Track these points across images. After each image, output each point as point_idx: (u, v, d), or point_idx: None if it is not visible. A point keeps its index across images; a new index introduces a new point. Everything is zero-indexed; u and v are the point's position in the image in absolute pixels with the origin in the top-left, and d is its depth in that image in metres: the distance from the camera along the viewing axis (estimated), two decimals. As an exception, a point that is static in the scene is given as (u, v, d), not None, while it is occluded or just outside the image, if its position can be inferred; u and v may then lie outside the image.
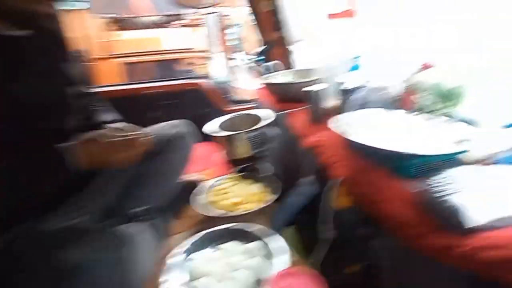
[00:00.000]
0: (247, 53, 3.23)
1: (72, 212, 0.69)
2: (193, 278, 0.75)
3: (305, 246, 0.90)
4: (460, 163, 0.64)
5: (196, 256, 0.82)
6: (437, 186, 0.48)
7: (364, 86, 0.80)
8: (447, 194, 0.47)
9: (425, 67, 0.82)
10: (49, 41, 0.68)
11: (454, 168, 0.51)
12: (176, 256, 0.80)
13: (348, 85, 0.75)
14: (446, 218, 0.46)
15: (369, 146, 0.64)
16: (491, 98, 0.76)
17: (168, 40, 2.33)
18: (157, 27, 2.59)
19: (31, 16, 0.64)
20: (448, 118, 0.76)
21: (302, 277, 0.62)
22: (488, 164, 0.63)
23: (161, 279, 0.72)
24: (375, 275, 0.65)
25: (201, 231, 0.88)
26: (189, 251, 0.82)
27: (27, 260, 0.55)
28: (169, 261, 0.78)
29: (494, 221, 0.43)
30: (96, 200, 0.76)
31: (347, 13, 0.94)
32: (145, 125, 1.03)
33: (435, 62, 0.81)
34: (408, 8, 0.99)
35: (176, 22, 2.69)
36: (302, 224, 0.91)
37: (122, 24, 2.78)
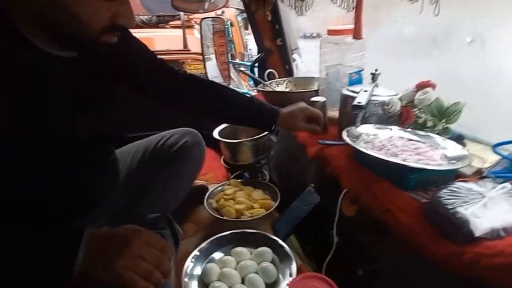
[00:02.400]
0: (233, 56, 3.24)
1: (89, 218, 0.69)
2: (208, 281, 0.78)
3: (308, 252, 0.95)
4: (456, 177, 0.71)
5: (210, 259, 0.86)
6: (445, 198, 0.54)
7: (369, 101, 0.85)
8: (455, 206, 0.52)
9: (421, 85, 0.89)
10: None
11: (453, 182, 0.58)
12: (190, 259, 0.83)
13: (357, 100, 0.81)
14: (455, 228, 0.51)
15: (376, 158, 0.69)
16: (485, 115, 0.85)
17: (161, 40, 2.30)
18: (148, 27, 2.56)
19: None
20: (443, 134, 0.83)
21: (318, 281, 0.66)
22: (480, 178, 0.71)
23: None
24: (380, 279, 0.71)
25: (211, 234, 0.91)
26: (202, 255, 0.86)
27: None
28: (185, 264, 0.81)
29: (495, 230, 0.50)
30: (110, 206, 0.77)
31: (350, 31, 0.99)
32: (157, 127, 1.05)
33: (431, 81, 0.88)
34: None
35: (166, 23, 2.66)
36: (304, 231, 0.95)
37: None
